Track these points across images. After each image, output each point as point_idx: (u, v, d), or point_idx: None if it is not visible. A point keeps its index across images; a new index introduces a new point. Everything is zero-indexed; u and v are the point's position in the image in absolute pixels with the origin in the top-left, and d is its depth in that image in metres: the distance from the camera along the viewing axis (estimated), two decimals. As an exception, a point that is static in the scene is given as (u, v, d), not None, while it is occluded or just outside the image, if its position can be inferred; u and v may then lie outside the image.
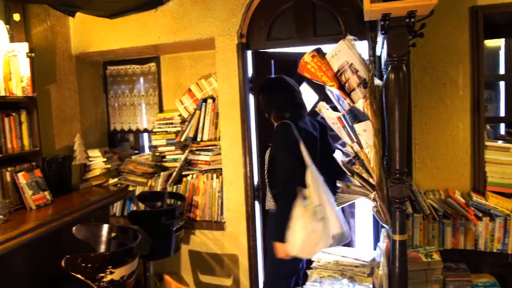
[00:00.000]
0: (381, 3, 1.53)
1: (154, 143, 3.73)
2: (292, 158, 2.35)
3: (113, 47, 3.43)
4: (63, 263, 2.13)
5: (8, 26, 2.93)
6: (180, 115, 3.65)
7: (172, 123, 3.66)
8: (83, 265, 2.16)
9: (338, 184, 2.07)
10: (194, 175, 3.48)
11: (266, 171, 2.57)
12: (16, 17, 2.92)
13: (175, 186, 3.52)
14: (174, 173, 3.51)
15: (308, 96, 3.16)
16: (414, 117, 2.80)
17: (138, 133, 4.05)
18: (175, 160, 3.64)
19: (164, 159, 3.70)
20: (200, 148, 3.53)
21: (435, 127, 2.78)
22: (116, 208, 3.65)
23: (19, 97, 2.87)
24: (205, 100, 3.52)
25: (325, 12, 2.98)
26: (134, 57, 3.82)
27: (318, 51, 2.02)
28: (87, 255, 2.17)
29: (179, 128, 3.63)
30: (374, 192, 1.96)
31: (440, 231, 2.69)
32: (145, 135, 4.12)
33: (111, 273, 2.23)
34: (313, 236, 2.30)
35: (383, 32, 1.69)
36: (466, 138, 2.74)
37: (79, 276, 2.17)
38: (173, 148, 3.65)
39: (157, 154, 3.70)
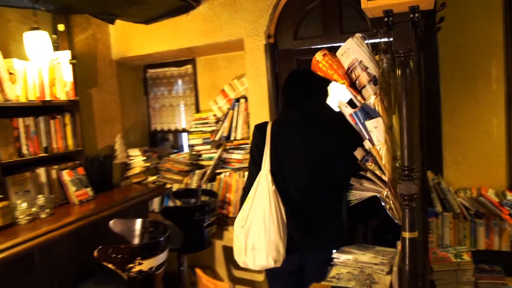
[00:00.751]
0: (377, 0, 1.53)
1: (191, 142, 3.89)
2: (249, 160, 2.36)
3: (150, 51, 3.61)
4: (95, 253, 2.29)
5: (55, 36, 3.19)
6: (214, 115, 3.77)
7: (207, 123, 3.79)
8: (114, 255, 2.31)
9: (351, 182, 2.07)
10: (227, 173, 3.59)
11: None
12: (61, 27, 3.17)
13: (209, 184, 3.65)
14: (208, 171, 3.64)
15: (337, 95, 3.15)
16: (444, 113, 2.73)
17: (177, 132, 4.23)
18: (210, 159, 3.76)
19: (200, 158, 3.84)
20: (233, 146, 3.62)
21: (467, 123, 2.69)
22: (155, 204, 3.84)
23: (63, 101, 3.11)
24: (238, 100, 3.61)
25: (351, 9, 2.96)
26: (171, 60, 3.99)
27: (330, 49, 2.04)
28: (117, 247, 2.32)
29: (214, 128, 3.75)
30: (387, 189, 1.95)
31: (472, 231, 2.60)
32: (184, 134, 4.28)
33: (139, 264, 2.37)
34: (236, 242, 2.23)
35: (387, 28, 1.69)
36: (501, 133, 2.63)
37: (110, 265, 2.32)
38: (208, 147, 3.78)
39: (194, 153, 3.85)
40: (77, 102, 3.20)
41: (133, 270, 2.36)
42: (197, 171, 3.67)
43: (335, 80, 2.03)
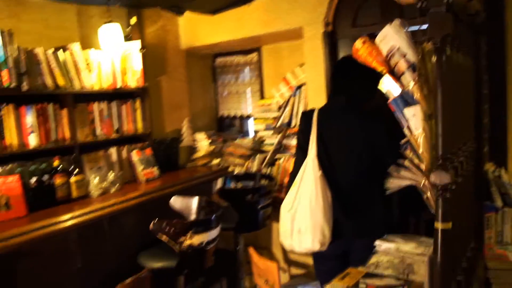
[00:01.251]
0: (403, -14, 1.52)
1: (255, 128, 4.04)
2: (296, 146, 2.41)
3: (215, 40, 3.79)
4: (151, 226, 2.52)
5: (128, 29, 3.49)
6: (277, 102, 3.86)
7: (270, 110, 3.90)
8: (167, 229, 2.52)
9: (390, 170, 2.05)
10: (286, 158, 3.67)
11: None
12: (133, 20, 3.45)
13: (269, 168, 3.77)
14: (268, 156, 3.76)
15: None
16: (510, 99, 2.56)
17: (242, 118, 4.39)
18: (271, 144, 3.87)
19: (263, 143, 3.96)
20: (292, 133, 3.70)
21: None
22: (219, 185, 4.04)
23: (133, 88, 3.40)
24: (299, 87, 3.67)
25: (411, -6, 2.87)
26: (238, 49, 4.14)
27: (371, 36, 2.03)
28: (170, 221, 2.53)
29: (276, 114, 3.84)
30: (424, 179, 1.91)
31: (537, 229, 2.43)
32: (250, 120, 4.43)
33: (190, 238, 2.56)
34: (283, 226, 2.29)
35: (420, 15, 1.66)
36: None
37: (163, 238, 2.54)
38: (271, 132, 3.89)
39: (257, 138, 3.98)
40: (146, 88, 3.48)
41: (184, 243, 2.55)
42: (258, 156, 3.81)
43: (375, 67, 2.02)
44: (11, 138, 2.70)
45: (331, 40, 3.18)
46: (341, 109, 2.33)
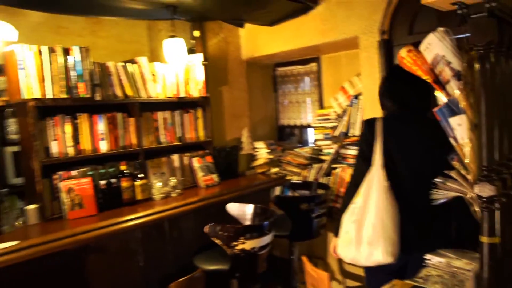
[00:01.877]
0: (438, -6, 1.51)
1: (314, 137, 4.07)
2: (358, 155, 2.31)
3: (275, 51, 3.89)
4: (206, 229, 2.66)
5: (193, 41, 3.71)
6: (335, 111, 3.87)
7: (328, 119, 3.91)
8: (221, 233, 2.65)
9: (436, 180, 2.00)
10: (342, 168, 3.66)
11: None
12: (196, 33, 3.66)
13: (326, 178, 3.77)
14: (325, 166, 3.77)
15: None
16: None
17: (302, 128, 4.44)
18: (329, 154, 3.87)
19: (321, 153, 3.98)
20: (349, 142, 3.68)
21: None
22: (277, 193, 4.12)
23: (195, 97, 3.60)
24: (356, 97, 3.65)
25: (471, 0, 2.77)
26: (297, 58, 4.22)
27: (416, 44, 2.01)
28: (224, 225, 2.65)
29: (335, 124, 3.85)
30: (471, 190, 1.85)
31: None
32: (309, 129, 4.47)
33: (243, 243, 2.65)
34: (346, 238, 2.17)
35: (460, 22, 1.63)
36: None
37: (217, 241, 2.67)
38: (329, 142, 3.90)
39: (316, 147, 4.01)
40: (208, 98, 3.66)
41: (237, 247, 2.65)
42: (315, 165, 3.83)
43: (420, 76, 2.00)
44: (85, 144, 2.98)
45: (387, 48, 3.15)
46: (403, 118, 2.29)
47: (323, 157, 3.94)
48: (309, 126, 4.37)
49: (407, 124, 2.26)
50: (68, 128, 2.89)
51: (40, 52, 2.74)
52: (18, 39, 2.69)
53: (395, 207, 2.16)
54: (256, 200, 3.74)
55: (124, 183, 3.07)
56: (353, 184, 2.26)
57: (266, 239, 2.79)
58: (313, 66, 4.20)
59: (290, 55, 4.07)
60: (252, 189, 3.64)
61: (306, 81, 4.32)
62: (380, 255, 2.12)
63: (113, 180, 3.03)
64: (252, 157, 4.21)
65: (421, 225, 2.24)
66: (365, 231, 2.13)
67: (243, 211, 3.20)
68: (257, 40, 4.03)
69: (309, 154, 3.95)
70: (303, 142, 4.50)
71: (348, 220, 2.20)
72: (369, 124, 2.29)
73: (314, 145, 4.05)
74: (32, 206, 2.69)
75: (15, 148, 3.12)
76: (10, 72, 2.73)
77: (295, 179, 3.92)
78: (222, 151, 3.82)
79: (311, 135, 4.50)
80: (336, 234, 2.26)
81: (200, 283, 2.50)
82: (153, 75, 3.32)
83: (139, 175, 3.15)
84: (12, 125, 3.14)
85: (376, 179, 2.17)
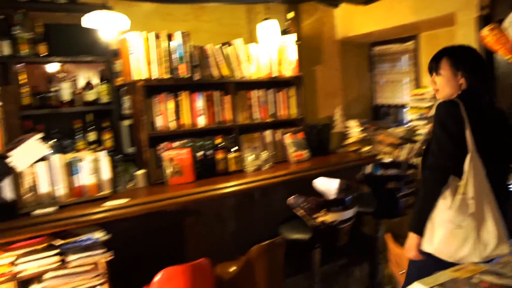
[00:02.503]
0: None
1: (408, 117, 3.99)
2: (451, 141, 1.97)
3: (369, 30, 3.88)
4: (291, 200, 2.84)
5: (287, 22, 3.86)
6: (431, 91, 3.74)
7: (424, 99, 3.80)
8: (303, 204, 2.81)
9: None
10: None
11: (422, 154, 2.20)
12: (290, 15, 3.79)
13: (417, 158, 3.70)
14: (416, 146, 3.69)
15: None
16: None
17: (398, 107, 4.36)
18: (423, 134, 3.78)
19: (414, 133, 3.89)
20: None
21: None
22: (368, 172, 4.13)
23: (288, 77, 3.76)
24: (455, 75, 3.49)
25: None
26: (393, 37, 4.13)
27: (500, 22, 1.93)
28: (307, 197, 2.80)
29: (431, 103, 3.73)
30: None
31: None
32: (405, 109, 4.37)
33: (324, 215, 2.79)
34: (458, 233, 1.92)
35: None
36: None
37: (299, 212, 2.83)
38: (423, 122, 3.80)
39: (410, 128, 3.93)
40: (300, 77, 3.79)
41: (318, 219, 2.79)
42: (407, 145, 3.77)
43: (502, 55, 1.92)
44: (185, 119, 3.33)
45: (487, 25, 2.96)
46: (485, 106, 2.13)
47: (416, 138, 3.85)
48: (405, 106, 4.28)
49: (490, 113, 2.12)
50: (171, 105, 3.25)
51: (147, 38, 3.11)
52: (132, 26, 3.08)
53: (495, 200, 1.99)
54: (345, 178, 3.81)
55: (219, 155, 3.36)
56: (438, 168, 1.99)
57: (348, 213, 2.88)
58: (410, 44, 4.08)
59: (386, 34, 4.00)
60: (341, 166, 3.71)
61: (403, 60, 4.22)
62: (506, 248, 1.94)
63: (209, 152, 3.34)
64: (344, 135, 4.27)
65: (504, 216, 2.06)
66: (490, 225, 1.94)
67: (329, 186, 3.30)
68: (352, 20, 4.03)
69: (402, 134, 3.89)
70: (398, 122, 4.42)
71: (460, 213, 1.94)
72: (454, 112, 2.01)
73: (408, 125, 3.97)
74: (140, 172, 3.11)
75: (129, 122, 3.61)
76: (124, 57, 3.16)
77: (386, 159, 3.90)
78: (314, 128, 3.94)
79: (406, 115, 4.40)
80: (419, 230, 2.01)
81: (280, 249, 2.69)
82: (248, 56, 3.55)
83: (232, 149, 3.43)
84: (126, 102, 3.63)
85: (478, 166, 1.97)
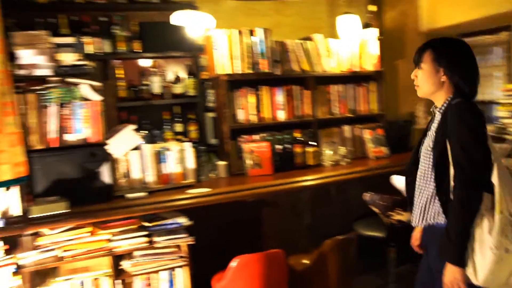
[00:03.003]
0: None
1: (499, 114, 3.74)
2: (482, 149, 1.74)
3: (457, 21, 3.68)
4: (367, 197, 2.84)
5: (369, 15, 3.80)
6: (526, 87, 3.49)
7: (517, 95, 3.55)
8: (379, 202, 2.80)
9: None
10: (529, 149, 3.32)
11: (433, 171, 1.88)
12: (373, 8, 3.73)
13: (507, 159, 3.47)
14: (507, 146, 3.46)
15: None
16: None
17: (486, 103, 4.09)
18: (515, 133, 3.54)
19: (505, 131, 3.65)
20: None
21: None
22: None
23: (369, 71, 3.72)
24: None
25: None
26: (483, 28, 3.87)
27: None
28: (383, 195, 2.79)
29: (525, 100, 3.48)
30: None
31: None
32: (495, 106, 4.10)
33: (399, 214, 2.76)
34: (508, 258, 1.69)
35: None
36: None
37: (375, 209, 2.83)
38: (516, 120, 3.55)
39: (500, 125, 3.70)
40: (382, 72, 3.73)
41: (393, 217, 2.77)
42: (496, 145, 3.56)
43: None
44: (265, 112, 3.43)
45: None
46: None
47: (507, 136, 3.61)
48: (495, 102, 4.01)
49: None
50: (252, 99, 3.37)
51: (231, 35, 3.26)
52: (217, 21, 3.23)
53: None
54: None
55: (297, 149, 3.43)
56: (474, 185, 1.72)
57: (425, 214, 2.81)
58: (504, 36, 3.80)
59: (475, 25, 3.77)
60: (422, 164, 3.60)
61: (494, 52, 3.95)
62: None
63: (287, 146, 3.42)
64: (426, 132, 4.12)
65: None
66: None
67: (409, 183, 3.23)
68: (438, 11, 3.86)
69: (490, 132, 3.66)
70: (488, 119, 4.16)
71: (503, 235, 1.70)
72: (476, 107, 1.85)
73: (498, 122, 3.73)
74: (222, 162, 3.28)
75: (213, 114, 3.81)
76: (209, 52, 3.33)
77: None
78: (394, 125, 3.86)
79: (496, 112, 4.13)
80: (461, 262, 1.73)
81: (353, 245, 2.71)
82: (328, 51, 3.56)
83: (311, 143, 3.48)
84: (211, 95, 3.83)
85: (506, 175, 1.77)
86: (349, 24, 3.47)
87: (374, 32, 3.66)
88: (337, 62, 3.61)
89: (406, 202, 2.76)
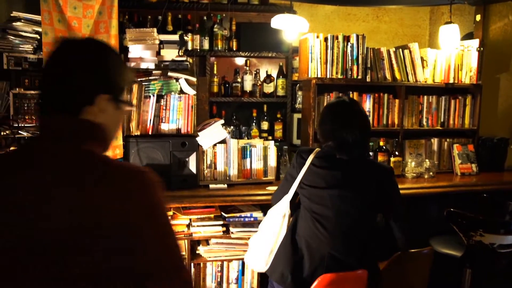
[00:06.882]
0: None
1: None
2: None
3: None
4: (446, 213, 2.76)
5: (473, 25, 3.62)
6: None
7: None
8: (459, 220, 2.71)
9: None
10: None
11: None
12: (478, 17, 3.55)
13: None
14: None
15: None
16: None
17: None
18: None
19: None
20: None
21: None
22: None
23: (466, 84, 3.55)
24: None
25: None
26: None
27: None
28: (464, 213, 2.69)
29: None
30: None
31: None
32: None
33: (480, 235, 2.65)
34: None
35: None
36: None
37: (454, 227, 2.74)
38: None
39: None
40: (480, 86, 3.54)
41: (474, 238, 2.67)
42: None
43: None
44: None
45: None
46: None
47: None
48: None
49: None
50: (341, 104, 3.41)
51: (325, 39, 3.31)
52: (314, 25, 3.31)
53: None
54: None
55: (380, 157, 3.40)
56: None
57: (511, 238, 2.67)
58: None
59: None
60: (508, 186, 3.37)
61: None
62: None
63: (370, 153, 3.41)
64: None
65: None
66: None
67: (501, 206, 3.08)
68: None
69: None
70: None
71: None
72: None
73: None
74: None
75: (299, 115, 3.92)
76: (302, 55, 3.42)
77: None
78: (488, 142, 3.65)
79: None
80: None
81: (427, 260, 2.66)
82: (424, 60, 3.47)
83: (395, 152, 3.43)
84: (299, 97, 3.93)
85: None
86: (449, 34, 3.34)
87: (475, 43, 3.49)
88: (432, 72, 3.51)
89: (489, 223, 2.66)
